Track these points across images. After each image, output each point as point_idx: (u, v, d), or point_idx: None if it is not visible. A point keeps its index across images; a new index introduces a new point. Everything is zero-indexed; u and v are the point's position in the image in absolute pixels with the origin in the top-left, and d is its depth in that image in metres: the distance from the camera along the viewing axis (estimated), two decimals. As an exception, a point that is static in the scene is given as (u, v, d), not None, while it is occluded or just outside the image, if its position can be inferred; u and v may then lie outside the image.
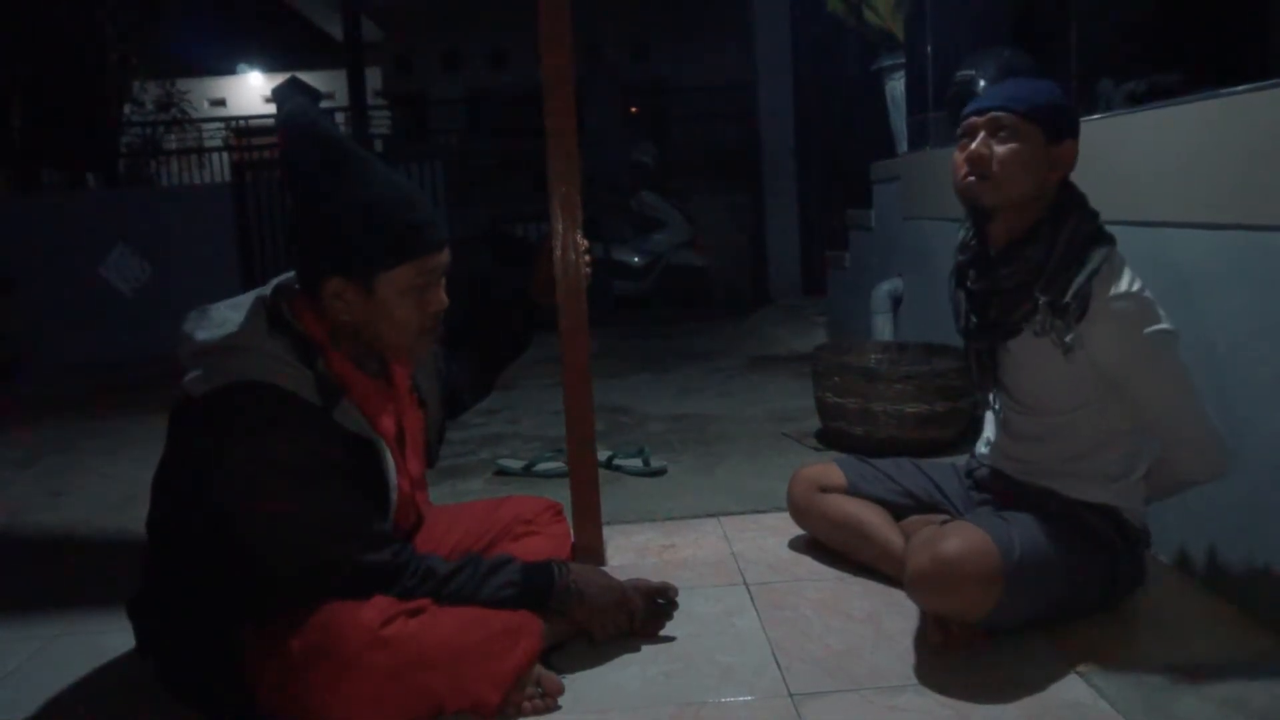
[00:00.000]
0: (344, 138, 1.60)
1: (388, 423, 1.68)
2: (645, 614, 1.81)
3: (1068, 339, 1.69)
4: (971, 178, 1.76)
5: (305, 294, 1.58)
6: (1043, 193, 1.75)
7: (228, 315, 1.53)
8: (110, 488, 3.16)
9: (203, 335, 1.51)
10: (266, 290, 1.59)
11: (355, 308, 1.54)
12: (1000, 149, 1.73)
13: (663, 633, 1.84)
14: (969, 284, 1.87)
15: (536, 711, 1.59)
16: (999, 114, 1.74)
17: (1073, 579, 1.75)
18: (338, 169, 1.54)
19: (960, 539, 1.66)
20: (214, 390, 1.46)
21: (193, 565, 1.55)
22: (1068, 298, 1.68)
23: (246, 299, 1.57)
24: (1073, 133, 1.74)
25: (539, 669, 1.63)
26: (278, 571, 1.51)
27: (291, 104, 1.59)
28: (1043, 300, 1.71)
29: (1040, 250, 1.73)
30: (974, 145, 1.75)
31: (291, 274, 1.63)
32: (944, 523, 1.93)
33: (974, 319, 1.87)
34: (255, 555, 1.50)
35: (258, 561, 1.51)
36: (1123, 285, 1.67)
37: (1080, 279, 1.68)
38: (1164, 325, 1.67)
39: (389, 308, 1.55)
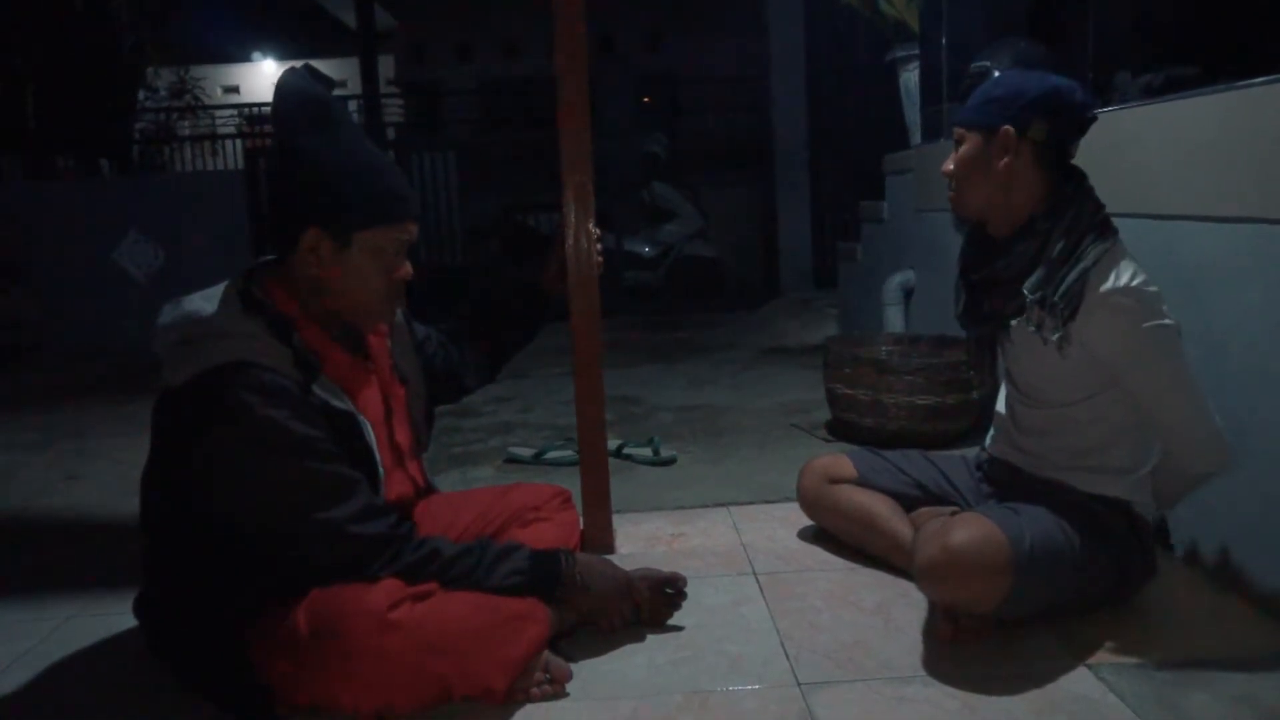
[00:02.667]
0: (335, 102, 1.64)
1: (371, 396, 1.70)
2: (653, 603, 1.82)
3: (1054, 337, 1.69)
4: (949, 193, 1.84)
5: (277, 257, 1.61)
6: (1013, 186, 1.75)
7: (201, 305, 1.55)
8: (123, 472, 3.17)
9: (179, 325, 1.52)
10: (237, 277, 1.61)
11: (328, 263, 1.57)
12: (955, 160, 1.81)
13: (671, 621, 1.84)
14: (970, 274, 1.87)
15: (544, 698, 1.59)
16: (955, 129, 1.82)
17: (1083, 571, 1.74)
18: (328, 128, 1.58)
19: (970, 529, 1.66)
20: (193, 376, 1.47)
21: (192, 558, 1.56)
22: (1056, 296, 1.68)
23: (217, 288, 1.58)
24: (1012, 117, 1.71)
25: (547, 655, 1.63)
26: (269, 546, 1.52)
27: (286, 71, 1.63)
28: (1030, 298, 1.71)
29: (1034, 244, 1.73)
30: (945, 162, 1.84)
31: (261, 260, 1.66)
32: (954, 514, 1.93)
33: (971, 308, 1.88)
34: (246, 533, 1.51)
35: (249, 539, 1.51)
36: (1120, 280, 1.66)
37: (1072, 276, 1.68)
38: (1163, 320, 1.67)
39: (360, 267, 1.59)
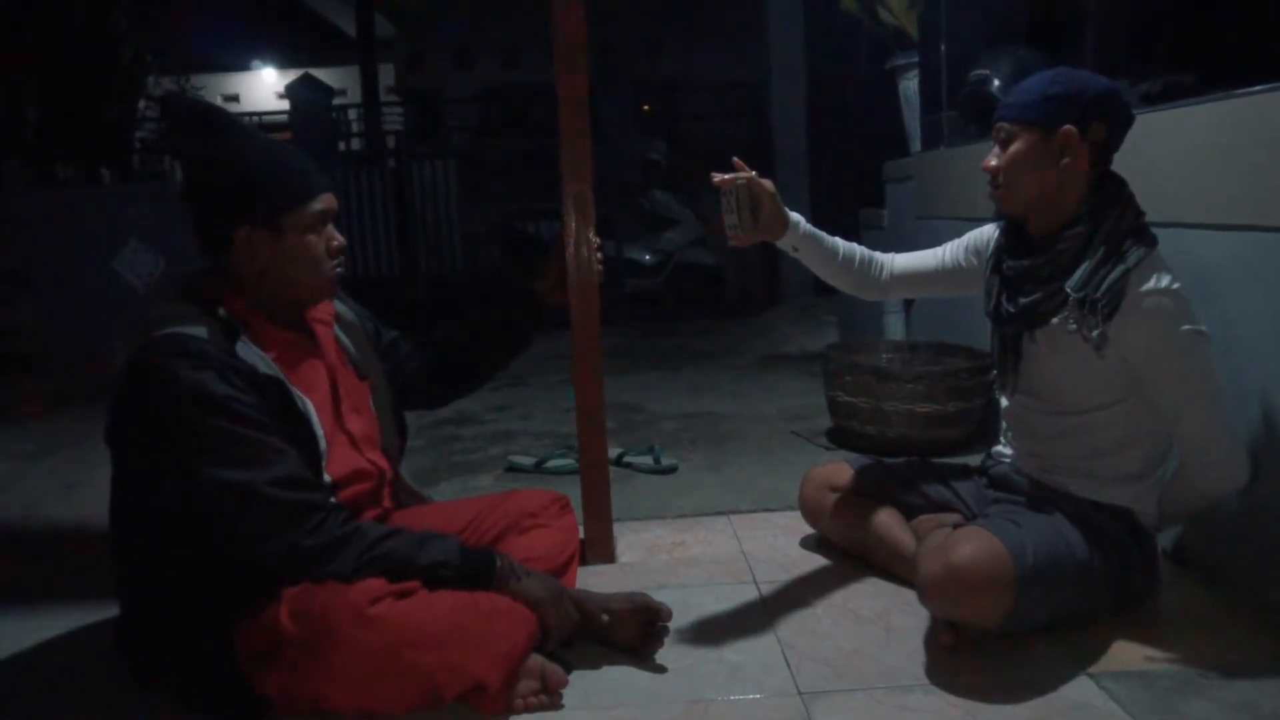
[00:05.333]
0: (216, 107, 1.72)
1: (315, 376, 1.72)
2: (631, 626, 1.76)
3: (1094, 334, 1.68)
4: (991, 189, 1.81)
5: (212, 262, 1.66)
6: (1065, 186, 1.73)
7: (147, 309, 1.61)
8: (123, 481, 3.17)
9: (127, 330, 1.58)
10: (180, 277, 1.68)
11: (265, 254, 1.63)
12: (1004, 157, 1.77)
13: (673, 627, 1.82)
14: (1004, 268, 1.86)
15: (542, 707, 1.59)
16: (1000, 124, 1.78)
17: (1086, 584, 1.73)
18: (220, 132, 1.64)
19: (973, 546, 1.65)
20: (129, 357, 1.53)
21: (162, 564, 1.58)
22: (1099, 293, 1.67)
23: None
24: (1075, 117, 1.70)
25: (543, 662, 1.63)
26: (198, 513, 1.52)
27: (164, 95, 1.71)
28: (1073, 295, 1.70)
29: (1077, 243, 1.72)
30: (987, 158, 1.80)
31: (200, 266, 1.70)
32: (956, 525, 1.93)
33: (1004, 304, 1.86)
34: (179, 503, 1.52)
35: (184, 512, 1.52)
36: (1160, 282, 1.65)
37: (1115, 275, 1.67)
38: (1199, 326, 1.66)
39: (298, 246, 1.64)
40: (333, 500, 1.60)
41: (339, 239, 1.71)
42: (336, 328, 1.84)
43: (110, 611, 2.01)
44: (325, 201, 1.67)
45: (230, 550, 1.52)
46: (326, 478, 1.65)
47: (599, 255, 2.14)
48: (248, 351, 1.58)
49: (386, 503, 1.86)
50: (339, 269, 1.72)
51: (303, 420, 1.62)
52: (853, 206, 5.24)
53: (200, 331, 1.53)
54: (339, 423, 1.74)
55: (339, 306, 1.88)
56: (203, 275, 1.67)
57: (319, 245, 1.67)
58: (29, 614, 2.11)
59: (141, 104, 8.99)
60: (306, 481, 1.56)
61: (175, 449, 1.50)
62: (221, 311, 1.59)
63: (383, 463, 1.84)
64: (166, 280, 1.66)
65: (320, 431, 1.65)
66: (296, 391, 1.63)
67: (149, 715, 1.64)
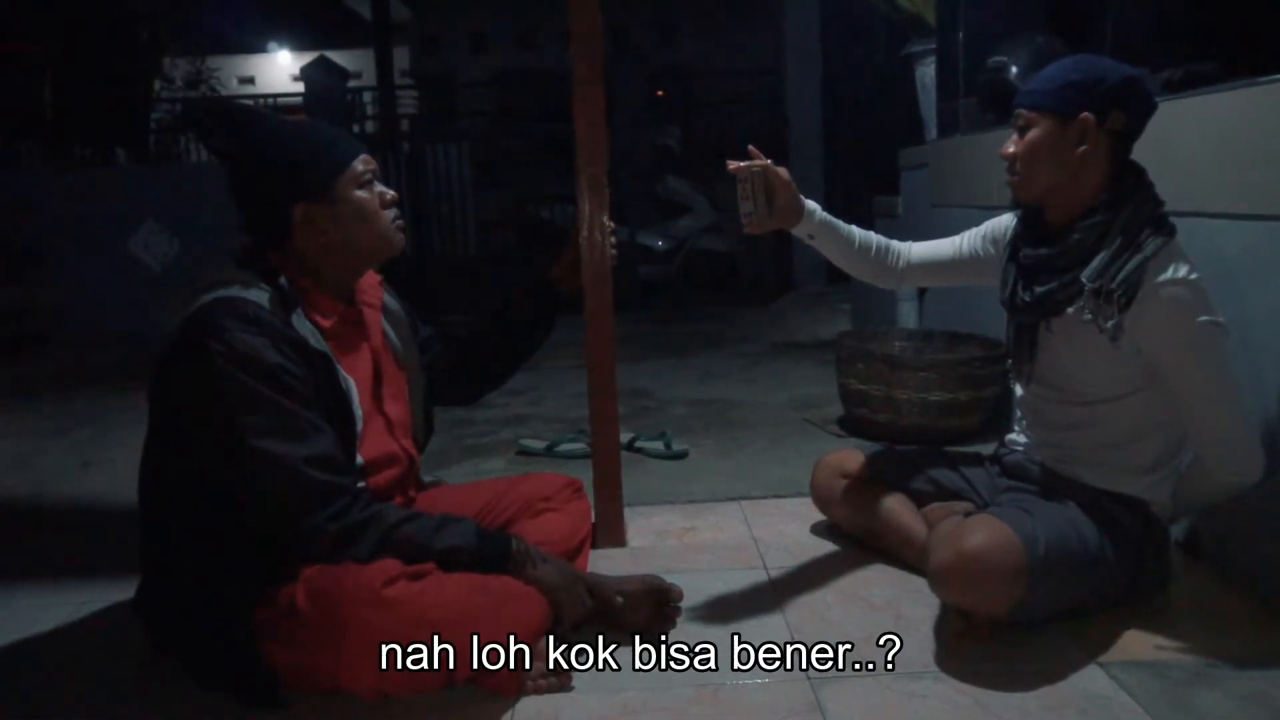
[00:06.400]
0: (240, 103, 1.78)
1: (359, 358, 1.74)
2: (640, 607, 1.77)
3: (1110, 325, 1.67)
4: (1008, 176, 1.80)
5: (270, 246, 1.67)
6: (1083, 174, 1.72)
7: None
8: (137, 459, 3.18)
9: (182, 289, 1.61)
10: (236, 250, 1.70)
11: (325, 223, 1.65)
12: (1022, 145, 1.76)
13: (683, 610, 1.82)
14: (1020, 256, 1.85)
15: (552, 690, 1.60)
16: (1018, 111, 1.77)
17: (1097, 574, 1.73)
18: (252, 123, 1.68)
19: (984, 533, 1.65)
20: (185, 317, 1.55)
21: (189, 535, 1.58)
22: (1114, 284, 1.66)
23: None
24: (1094, 105, 1.68)
25: (554, 645, 1.63)
26: (231, 479, 1.52)
27: (185, 102, 1.74)
28: (1089, 285, 1.69)
29: (1094, 232, 1.71)
30: (1005, 145, 1.79)
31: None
32: (967, 513, 1.92)
33: (1020, 293, 1.85)
34: (215, 467, 1.53)
35: (218, 476, 1.53)
36: (1178, 272, 1.64)
37: (1131, 265, 1.65)
38: (1217, 316, 1.65)
39: (354, 207, 1.67)
40: (360, 485, 1.61)
41: (389, 192, 1.74)
42: (383, 317, 1.85)
43: (123, 587, 2.03)
44: (365, 161, 1.70)
45: (253, 521, 1.53)
46: (359, 459, 1.66)
47: (613, 241, 2.14)
48: (301, 324, 1.59)
49: (411, 490, 1.88)
50: (399, 220, 1.75)
51: (343, 398, 1.63)
52: (868, 194, 5.22)
53: (259, 297, 1.55)
54: (377, 405, 1.76)
55: (386, 298, 1.88)
56: (263, 248, 1.67)
57: (373, 201, 1.70)
58: (44, 589, 2.12)
59: (157, 85, 9.01)
60: (339, 463, 1.57)
61: (218, 411, 1.50)
62: (283, 280, 1.61)
63: (413, 451, 1.86)
64: (227, 253, 1.69)
65: (359, 412, 1.66)
66: (341, 369, 1.64)
67: (164, 690, 1.65)
